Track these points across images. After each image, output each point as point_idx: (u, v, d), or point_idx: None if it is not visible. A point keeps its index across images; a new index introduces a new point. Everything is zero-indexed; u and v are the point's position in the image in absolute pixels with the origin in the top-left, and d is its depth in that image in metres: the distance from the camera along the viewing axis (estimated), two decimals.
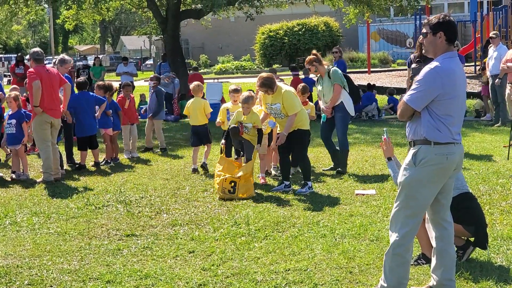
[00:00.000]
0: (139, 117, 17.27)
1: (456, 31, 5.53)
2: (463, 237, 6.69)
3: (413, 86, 5.46)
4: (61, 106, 11.68)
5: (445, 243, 5.73)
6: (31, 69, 11.42)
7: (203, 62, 55.86)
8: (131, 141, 14.09)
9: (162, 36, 26.99)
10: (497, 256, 6.78)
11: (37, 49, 11.70)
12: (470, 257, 6.74)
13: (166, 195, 10.18)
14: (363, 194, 9.79)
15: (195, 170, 11.87)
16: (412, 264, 6.22)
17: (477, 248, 6.77)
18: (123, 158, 13.74)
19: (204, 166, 11.92)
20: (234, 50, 56.92)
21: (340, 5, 26.93)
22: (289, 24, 51.12)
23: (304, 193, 9.99)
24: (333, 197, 9.75)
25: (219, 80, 31.34)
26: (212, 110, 12.66)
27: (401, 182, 5.56)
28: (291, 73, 21.78)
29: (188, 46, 60.03)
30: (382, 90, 23.88)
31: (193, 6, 25.69)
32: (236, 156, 10.76)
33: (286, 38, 50.61)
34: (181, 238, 7.84)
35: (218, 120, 11.43)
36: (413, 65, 12.14)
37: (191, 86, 12.72)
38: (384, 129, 7.03)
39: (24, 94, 12.60)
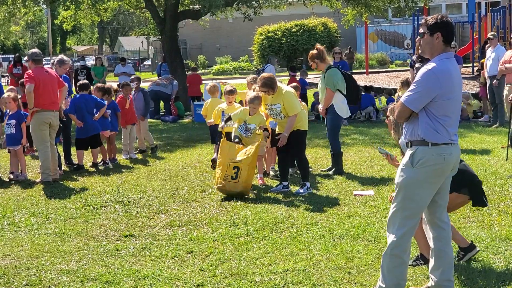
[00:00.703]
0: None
1: (453, 32, 5.53)
2: (462, 207, 6.62)
3: (411, 87, 5.47)
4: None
5: (443, 243, 5.73)
6: (29, 71, 11.42)
7: (201, 62, 55.90)
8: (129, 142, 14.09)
9: (160, 37, 27.00)
10: (495, 257, 6.79)
11: (35, 50, 11.70)
12: (469, 258, 6.74)
13: (164, 195, 10.18)
14: (361, 195, 9.79)
15: (214, 161, 11.78)
16: (410, 265, 6.22)
17: (475, 240, 6.76)
18: (121, 158, 13.74)
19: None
20: (232, 51, 56.96)
21: (338, 6, 26.94)
22: (287, 25, 51.17)
23: (303, 193, 10.00)
24: (332, 197, 9.76)
25: (218, 81, 31.32)
26: None
27: (399, 183, 5.56)
28: (289, 73, 21.77)
29: (186, 46, 60.04)
30: (380, 91, 23.87)
31: (191, 6, 25.69)
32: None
33: (284, 39, 50.66)
34: (179, 239, 7.84)
35: (211, 120, 11.52)
36: (417, 65, 12.17)
37: (207, 87, 12.77)
38: (378, 147, 7.01)
39: (19, 97, 12.59)
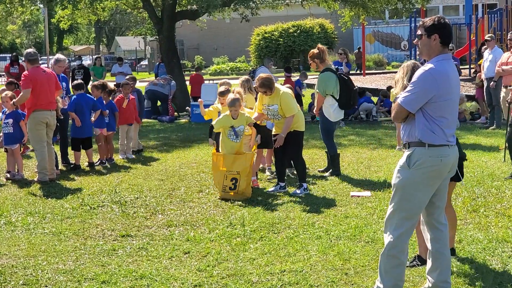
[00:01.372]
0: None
1: (450, 34, 5.53)
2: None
3: (408, 88, 5.47)
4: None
5: (440, 245, 5.74)
6: (26, 72, 11.40)
7: (198, 63, 55.85)
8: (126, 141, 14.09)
9: (157, 37, 26.97)
10: (492, 259, 6.80)
11: (30, 50, 11.67)
12: (465, 258, 6.75)
13: (161, 195, 10.17)
14: (359, 196, 9.79)
15: None
16: (407, 266, 6.22)
17: (473, 251, 6.77)
18: (118, 158, 13.73)
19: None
20: (229, 51, 57.00)
21: (335, 7, 26.94)
22: (284, 25, 51.23)
23: (299, 194, 9.99)
24: (329, 198, 9.76)
25: (215, 82, 31.30)
26: None
27: (395, 184, 5.57)
28: (284, 74, 21.76)
29: (183, 47, 60.06)
30: (376, 92, 23.89)
31: (188, 7, 25.67)
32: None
33: (281, 39, 50.71)
34: (176, 239, 7.84)
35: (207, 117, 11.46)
36: None
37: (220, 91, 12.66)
38: None
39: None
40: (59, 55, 13.42)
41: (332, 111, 11.30)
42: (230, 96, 10.25)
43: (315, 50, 11.27)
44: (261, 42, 51.30)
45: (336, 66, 18.35)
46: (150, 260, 7.07)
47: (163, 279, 6.46)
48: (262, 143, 10.53)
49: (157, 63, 26.71)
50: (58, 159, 12.55)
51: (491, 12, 30.47)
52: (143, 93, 23.13)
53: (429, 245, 5.81)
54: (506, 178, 10.58)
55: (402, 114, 5.52)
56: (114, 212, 9.20)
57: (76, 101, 12.62)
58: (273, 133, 10.47)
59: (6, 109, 11.91)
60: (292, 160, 10.53)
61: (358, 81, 27.84)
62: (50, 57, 39.22)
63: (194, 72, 24.70)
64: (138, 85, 28.56)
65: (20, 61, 24.25)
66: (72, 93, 13.31)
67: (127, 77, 16.06)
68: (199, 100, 12.16)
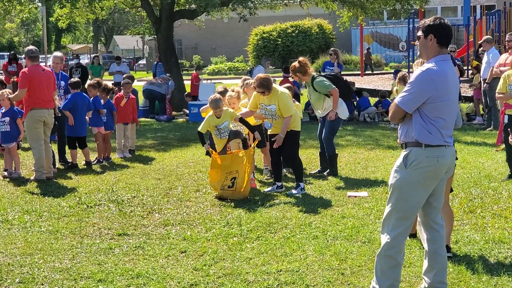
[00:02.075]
0: None
1: (448, 34, 5.50)
2: None
3: (405, 88, 5.48)
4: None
5: (437, 245, 5.74)
6: (24, 69, 11.39)
7: (196, 62, 55.84)
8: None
9: (155, 36, 26.97)
10: (488, 260, 6.80)
11: (31, 47, 11.66)
12: (462, 260, 6.76)
13: (158, 194, 10.17)
14: (355, 196, 9.80)
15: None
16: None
17: (470, 251, 6.78)
18: (115, 157, 13.72)
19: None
20: (227, 51, 57.00)
21: (334, 8, 26.97)
22: (282, 25, 51.23)
23: (296, 194, 10.00)
24: (326, 198, 9.76)
25: (212, 81, 31.35)
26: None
27: (392, 184, 5.57)
28: (282, 74, 21.74)
29: (182, 46, 60.08)
30: (374, 93, 23.92)
31: (187, 6, 25.67)
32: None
33: (280, 39, 50.72)
34: (173, 238, 7.84)
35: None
36: None
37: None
38: None
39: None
40: (57, 52, 13.43)
41: (342, 108, 11.35)
42: (213, 96, 10.26)
43: (296, 64, 11.21)
44: (259, 42, 51.30)
45: (327, 67, 18.33)
46: (147, 259, 7.07)
47: (160, 278, 6.46)
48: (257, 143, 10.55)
49: (155, 63, 26.68)
50: (56, 158, 12.53)
51: (489, 14, 30.48)
52: (141, 92, 23.23)
53: (425, 246, 5.81)
54: (503, 180, 10.59)
55: (399, 114, 5.52)
56: (111, 211, 9.20)
57: (72, 100, 12.61)
58: (269, 133, 10.47)
59: (4, 108, 11.89)
60: (289, 160, 10.52)
61: (356, 82, 27.83)
62: (48, 55, 39.09)
63: (195, 71, 24.61)
64: (137, 84, 28.61)
65: (19, 60, 24.21)
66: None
67: (124, 76, 16.03)
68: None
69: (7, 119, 11.71)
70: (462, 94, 19.26)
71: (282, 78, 20.98)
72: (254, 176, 11.10)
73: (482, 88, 17.21)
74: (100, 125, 13.25)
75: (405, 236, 5.62)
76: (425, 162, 5.43)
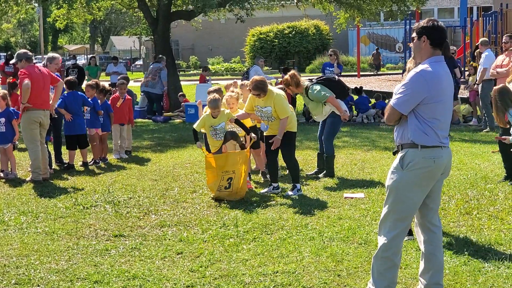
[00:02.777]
0: None
1: (441, 36, 5.51)
2: None
3: (400, 90, 5.50)
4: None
5: (433, 247, 5.75)
6: (23, 70, 11.38)
7: (193, 63, 55.91)
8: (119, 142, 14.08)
9: (152, 37, 26.98)
10: (484, 261, 6.80)
11: (24, 50, 11.69)
12: (458, 262, 6.77)
13: (155, 196, 10.16)
14: (352, 198, 9.80)
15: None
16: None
17: (466, 253, 6.78)
18: (111, 158, 13.71)
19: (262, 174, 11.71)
20: (224, 51, 57.02)
21: (330, 9, 27.00)
22: (279, 26, 51.30)
23: (293, 195, 9.99)
24: (322, 200, 9.76)
25: (209, 82, 31.28)
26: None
27: (389, 185, 5.58)
28: (281, 75, 21.71)
29: (178, 47, 60.07)
30: (371, 94, 23.93)
31: (184, 7, 25.67)
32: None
33: (276, 40, 50.78)
34: (169, 239, 7.83)
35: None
36: None
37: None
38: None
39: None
40: (54, 54, 13.41)
41: (343, 105, 11.35)
42: (211, 96, 10.26)
43: (287, 77, 11.11)
44: (256, 43, 51.36)
45: (327, 68, 18.30)
46: (143, 261, 7.07)
47: (156, 280, 6.45)
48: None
49: (151, 64, 26.62)
50: (52, 158, 12.52)
51: (486, 15, 30.51)
52: (140, 94, 23.24)
53: (422, 247, 5.82)
54: (499, 181, 10.60)
55: (395, 116, 5.53)
56: (107, 212, 9.19)
57: (66, 99, 12.59)
58: (265, 134, 10.46)
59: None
60: (285, 161, 10.51)
61: (353, 83, 27.86)
62: (45, 56, 39.04)
63: (202, 73, 24.50)
64: (133, 85, 28.50)
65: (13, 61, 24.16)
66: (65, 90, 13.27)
67: (119, 77, 16.02)
68: (198, 101, 12.04)
69: (2, 120, 11.69)
70: (459, 96, 19.29)
71: (280, 79, 20.95)
72: (250, 177, 11.10)
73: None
74: (97, 127, 13.24)
75: (402, 238, 5.63)
76: (422, 163, 5.44)
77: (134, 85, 33.95)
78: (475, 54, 19.15)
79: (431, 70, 5.41)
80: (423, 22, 5.56)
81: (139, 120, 21.30)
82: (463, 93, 21.06)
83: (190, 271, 6.69)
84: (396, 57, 49.26)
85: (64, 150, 13.06)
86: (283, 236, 7.86)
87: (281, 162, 11.00)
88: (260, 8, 27.17)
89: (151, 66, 23.84)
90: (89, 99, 13.12)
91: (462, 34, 29.56)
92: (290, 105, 10.64)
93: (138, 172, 12.25)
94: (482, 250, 7.17)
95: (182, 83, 25.83)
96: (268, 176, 10.85)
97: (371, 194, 9.99)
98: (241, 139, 10.54)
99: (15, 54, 11.86)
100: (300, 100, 22.41)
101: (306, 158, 13.31)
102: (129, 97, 14.51)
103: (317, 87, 11.07)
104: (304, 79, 11.37)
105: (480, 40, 18.14)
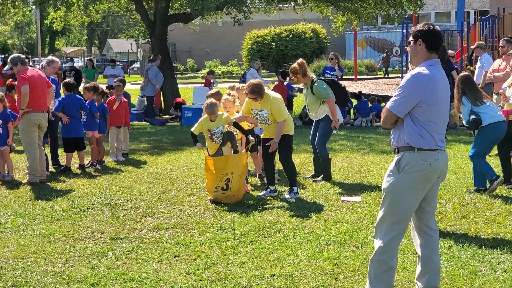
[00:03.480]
0: None
1: (437, 40, 5.56)
2: None
3: (396, 93, 5.53)
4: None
5: (430, 250, 5.76)
6: (21, 73, 11.35)
7: (190, 66, 55.89)
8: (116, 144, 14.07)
9: (149, 40, 26.97)
10: (481, 265, 6.82)
11: (17, 54, 11.71)
12: (455, 266, 6.77)
13: (152, 198, 10.16)
14: (349, 201, 9.80)
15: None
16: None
17: (463, 257, 6.79)
18: (108, 160, 13.70)
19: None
20: (221, 54, 57.02)
21: (328, 12, 27.02)
22: (276, 30, 51.32)
23: (290, 199, 9.99)
24: (319, 203, 9.76)
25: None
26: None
27: (385, 188, 5.59)
28: (278, 78, 21.69)
29: (176, 50, 60.06)
30: (367, 97, 23.96)
31: (181, 10, 25.67)
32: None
33: (274, 44, 50.80)
34: (166, 242, 7.83)
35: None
36: None
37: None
38: None
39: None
40: (53, 57, 13.41)
41: (338, 114, 11.37)
42: (207, 101, 10.25)
43: (296, 66, 11.25)
44: (253, 46, 51.36)
45: (328, 71, 18.36)
46: (140, 263, 7.06)
47: (153, 282, 6.45)
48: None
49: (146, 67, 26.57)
50: (49, 161, 12.51)
51: (483, 19, 30.60)
52: (137, 97, 23.23)
53: (418, 250, 5.83)
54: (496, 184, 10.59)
55: (391, 119, 5.55)
56: (104, 214, 9.18)
57: (64, 102, 12.59)
58: (262, 137, 10.46)
59: None
60: (282, 164, 10.51)
61: (350, 86, 27.89)
62: (42, 58, 38.94)
63: (207, 76, 24.42)
64: (130, 87, 28.51)
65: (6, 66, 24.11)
66: (62, 94, 13.27)
67: (116, 79, 16.02)
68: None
69: None
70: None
71: (277, 82, 20.95)
72: (247, 180, 11.10)
73: None
74: (94, 129, 13.24)
75: (398, 241, 5.63)
76: (418, 166, 5.45)
77: (131, 88, 33.94)
78: (472, 58, 19.17)
79: (427, 73, 5.44)
80: (419, 26, 5.59)
81: (136, 122, 21.29)
82: None
83: (187, 274, 6.69)
84: (393, 61, 49.23)
85: (61, 152, 13.05)
86: (280, 239, 7.86)
87: (278, 165, 11.01)
88: (257, 11, 27.21)
89: (145, 67, 23.89)
90: (86, 102, 13.11)
91: (459, 38, 29.58)
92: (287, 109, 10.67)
93: (135, 174, 12.24)
94: (479, 254, 7.18)
95: (179, 86, 25.83)
96: (265, 179, 10.85)
97: (368, 198, 10.00)
98: (237, 143, 10.55)
99: (9, 60, 11.84)
100: (297, 104, 22.46)
101: (303, 161, 13.31)
102: (125, 99, 14.51)
103: (324, 84, 11.16)
104: (312, 74, 11.46)
105: (478, 43, 18.15)
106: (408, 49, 5.70)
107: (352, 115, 20.45)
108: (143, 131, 19.74)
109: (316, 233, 8.05)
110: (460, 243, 7.56)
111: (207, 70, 48.77)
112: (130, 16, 29.99)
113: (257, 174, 11.57)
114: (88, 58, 32.69)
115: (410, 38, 5.60)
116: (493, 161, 12.45)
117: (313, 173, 11.79)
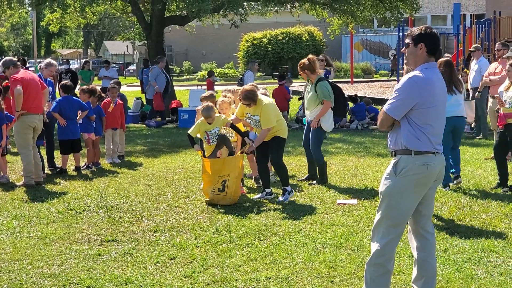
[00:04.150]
0: None
1: (437, 44, 5.57)
2: None
3: (393, 95, 5.52)
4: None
5: (426, 253, 5.75)
6: (14, 76, 11.33)
7: (186, 68, 55.89)
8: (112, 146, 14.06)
9: (145, 42, 26.98)
10: (477, 268, 6.82)
11: (9, 57, 11.71)
12: (451, 269, 6.78)
13: (148, 201, 10.15)
14: (345, 204, 9.80)
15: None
16: None
17: (459, 260, 6.79)
18: (104, 163, 13.68)
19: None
20: (217, 57, 57.04)
21: (324, 15, 27.05)
22: (273, 32, 51.34)
23: (284, 201, 9.98)
24: (315, 206, 9.75)
25: (202, 87, 31.31)
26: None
27: (382, 191, 5.58)
28: (278, 81, 21.63)
29: (172, 52, 60.04)
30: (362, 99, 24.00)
31: (178, 12, 25.67)
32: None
33: (270, 46, 50.81)
34: (162, 245, 7.82)
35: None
36: None
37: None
38: None
39: None
40: (51, 60, 13.40)
41: (330, 121, 11.34)
42: (204, 105, 10.25)
43: (305, 61, 11.24)
44: (250, 48, 51.37)
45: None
46: (136, 266, 7.05)
47: (148, 285, 6.44)
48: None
49: (141, 69, 26.54)
50: (44, 163, 12.48)
51: (479, 23, 30.64)
52: (134, 99, 23.24)
53: (415, 254, 5.82)
54: (492, 188, 10.62)
55: (388, 121, 5.55)
56: (100, 216, 9.16)
57: (61, 103, 12.57)
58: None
59: None
60: (273, 166, 10.49)
61: (346, 89, 27.91)
62: (38, 60, 38.89)
63: (208, 78, 24.36)
64: (126, 89, 28.48)
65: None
66: (58, 96, 13.25)
67: (112, 81, 16.00)
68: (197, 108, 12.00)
69: None
70: None
71: (277, 85, 20.81)
72: (243, 183, 11.10)
73: (470, 97, 17.20)
74: (90, 131, 13.22)
75: (395, 244, 5.63)
76: (415, 169, 5.45)
77: (127, 90, 33.93)
78: (470, 61, 19.18)
79: (424, 76, 5.44)
80: (419, 29, 5.56)
81: (132, 125, 21.27)
82: None
83: (182, 277, 6.68)
84: (389, 64, 49.32)
85: (57, 154, 13.02)
86: (276, 242, 7.86)
87: (273, 167, 11.00)
88: (254, 13, 27.21)
89: (141, 71, 23.88)
90: None
91: (455, 41, 29.66)
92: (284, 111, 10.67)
93: (131, 177, 12.22)
94: (475, 257, 7.18)
95: (175, 88, 25.82)
96: (260, 181, 10.84)
97: (364, 201, 10.00)
98: (232, 145, 10.54)
99: (0, 63, 11.81)
100: (293, 106, 22.42)
101: (299, 164, 13.31)
102: (120, 101, 14.49)
103: (329, 86, 11.17)
104: (322, 72, 11.45)
105: (475, 46, 18.16)
106: (405, 51, 5.68)
107: (348, 117, 20.45)
108: (139, 133, 19.72)
109: (312, 236, 8.05)
110: (456, 246, 7.57)
111: (203, 72, 48.87)
112: (126, 18, 29.98)
113: (253, 177, 11.55)
114: (86, 60, 32.68)
115: (409, 40, 5.57)
116: (489, 164, 12.48)
117: (307, 176, 11.78)
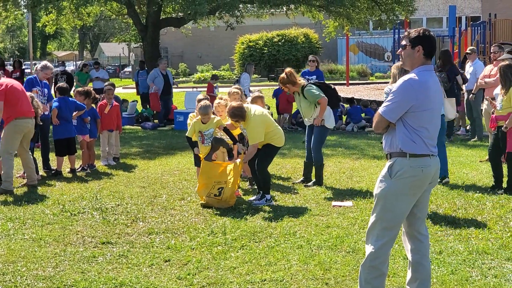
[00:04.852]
0: None
1: (434, 46, 5.58)
2: None
3: (388, 98, 5.52)
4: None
5: (420, 256, 5.75)
6: (1, 81, 11.20)
7: (182, 70, 55.83)
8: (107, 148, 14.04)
9: (141, 44, 26.96)
10: (472, 270, 6.83)
11: None
12: (445, 271, 6.78)
13: (143, 203, 10.14)
14: (340, 206, 9.80)
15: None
16: None
17: (454, 262, 6.79)
18: (99, 165, 13.67)
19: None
20: (213, 59, 56.96)
21: (320, 17, 27.07)
22: (268, 34, 51.31)
23: (261, 205, 9.92)
24: (310, 208, 9.75)
25: (198, 89, 31.29)
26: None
27: (377, 194, 5.58)
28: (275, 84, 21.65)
29: (168, 54, 59.95)
30: (359, 102, 24.01)
31: (173, 14, 25.67)
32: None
33: (266, 48, 50.78)
34: (157, 247, 7.81)
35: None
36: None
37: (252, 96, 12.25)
38: None
39: None
40: (48, 63, 13.37)
41: (330, 117, 11.37)
42: (201, 103, 10.25)
43: (284, 76, 11.23)
44: (246, 50, 51.35)
45: (306, 76, 17.77)
46: (130, 268, 7.04)
47: (143, 287, 6.44)
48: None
49: (137, 71, 26.45)
50: (39, 165, 12.46)
51: (474, 25, 30.72)
52: (130, 101, 23.22)
53: (409, 256, 5.82)
54: (487, 190, 10.62)
55: (383, 124, 5.55)
56: (94, 219, 9.15)
57: (57, 105, 12.54)
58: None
59: None
60: (257, 170, 10.31)
61: (342, 91, 27.92)
62: (34, 62, 38.84)
63: (210, 81, 24.31)
64: (122, 91, 28.43)
65: (6, 66, 24.10)
66: (55, 97, 13.24)
67: (106, 83, 15.98)
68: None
69: None
70: None
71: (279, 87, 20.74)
72: (239, 185, 11.08)
73: (465, 99, 17.23)
74: (85, 133, 13.21)
75: (389, 247, 5.63)
76: (410, 172, 5.45)
77: (122, 92, 33.92)
78: (465, 63, 19.21)
79: (420, 79, 5.43)
80: (416, 31, 5.56)
81: (128, 126, 21.26)
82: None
83: (177, 279, 6.68)
84: (384, 66, 49.31)
85: (52, 156, 13.00)
86: (271, 244, 7.85)
87: (273, 171, 10.98)
88: (249, 16, 27.23)
89: (137, 73, 23.83)
90: None
91: (450, 44, 29.69)
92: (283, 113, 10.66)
93: (126, 179, 12.21)
94: (469, 259, 7.19)
95: (174, 90, 25.75)
96: (254, 183, 10.83)
97: (359, 203, 10.00)
98: (229, 145, 10.53)
99: None
100: (295, 107, 22.40)
101: (295, 166, 13.31)
102: (116, 103, 14.47)
103: (314, 87, 11.17)
104: (302, 81, 11.45)
105: (471, 48, 18.19)
106: (401, 52, 5.67)
107: (344, 119, 20.47)
108: (134, 135, 19.71)
109: (307, 238, 8.05)
110: (450, 248, 7.57)
111: (198, 75, 48.81)
112: (122, 20, 30.02)
113: (248, 177, 11.53)
114: (84, 62, 32.65)
115: (407, 42, 5.56)
116: (484, 166, 12.49)
117: (302, 178, 11.77)
